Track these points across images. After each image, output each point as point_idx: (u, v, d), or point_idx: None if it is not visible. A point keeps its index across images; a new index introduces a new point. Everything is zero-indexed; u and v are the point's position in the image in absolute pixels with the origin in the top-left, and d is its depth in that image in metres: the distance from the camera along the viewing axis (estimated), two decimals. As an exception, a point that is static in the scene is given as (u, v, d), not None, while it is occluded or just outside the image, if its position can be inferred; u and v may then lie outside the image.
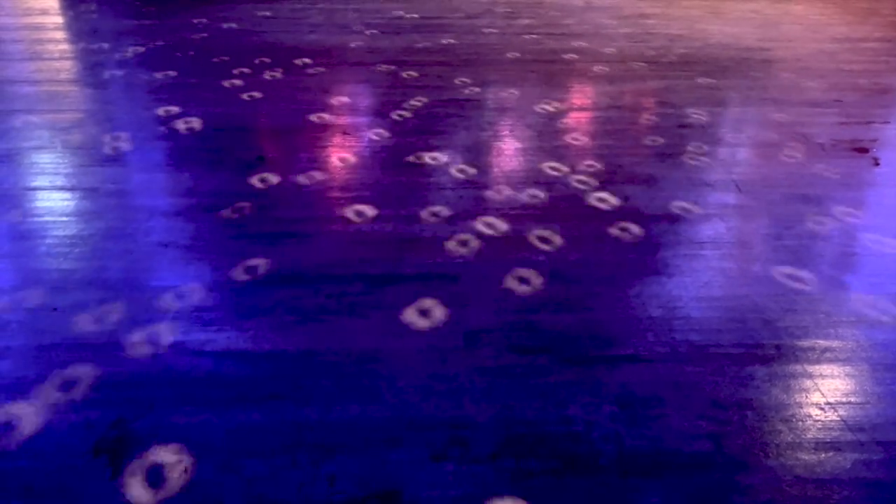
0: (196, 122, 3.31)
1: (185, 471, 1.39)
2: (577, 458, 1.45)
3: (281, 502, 1.34)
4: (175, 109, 3.48)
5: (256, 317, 1.89)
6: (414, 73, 4.15)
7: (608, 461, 1.45)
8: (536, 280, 2.07)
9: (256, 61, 4.35)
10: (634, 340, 1.82)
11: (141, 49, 4.63)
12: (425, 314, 1.91)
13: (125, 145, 3.05)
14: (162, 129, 3.23)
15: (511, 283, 2.06)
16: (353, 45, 4.82)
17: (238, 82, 3.93)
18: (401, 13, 5.85)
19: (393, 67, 4.28)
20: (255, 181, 2.69)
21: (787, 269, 2.14)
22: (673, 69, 4.30)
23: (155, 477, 1.39)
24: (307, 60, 4.42)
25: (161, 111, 3.45)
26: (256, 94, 3.73)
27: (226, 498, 1.35)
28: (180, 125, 3.28)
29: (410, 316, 1.90)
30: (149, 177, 2.77)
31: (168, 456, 1.43)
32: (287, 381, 1.66)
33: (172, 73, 4.08)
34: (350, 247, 2.25)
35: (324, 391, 1.63)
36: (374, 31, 5.20)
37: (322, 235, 2.32)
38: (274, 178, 2.72)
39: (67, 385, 1.63)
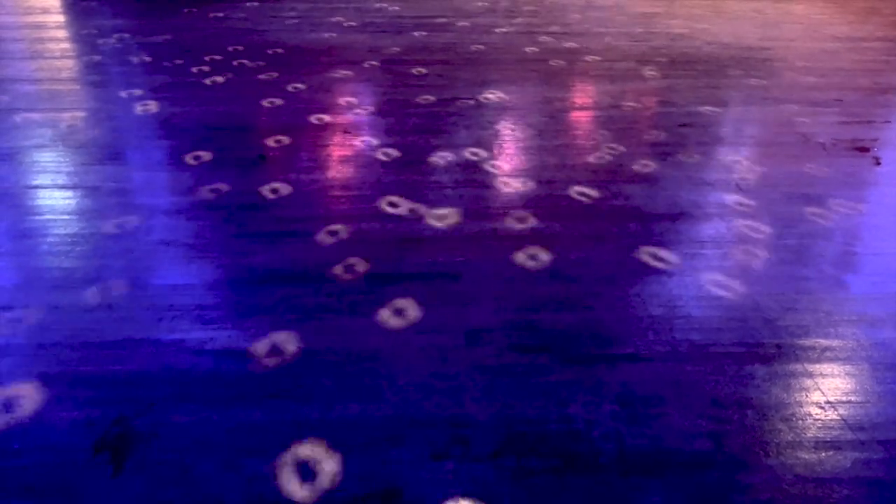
0: (196, 120, 3.31)
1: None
2: (577, 457, 1.45)
3: (281, 501, 1.35)
4: (175, 108, 3.48)
5: (257, 315, 1.89)
6: (415, 72, 4.15)
7: (609, 460, 1.45)
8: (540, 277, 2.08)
9: (257, 58, 4.35)
10: (635, 339, 1.82)
11: (142, 46, 4.62)
12: (430, 309, 1.91)
13: (124, 143, 3.05)
14: (162, 126, 3.23)
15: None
16: (353, 43, 4.82)
17: (240, 80, 3.93)
18: (401, 12, 5.84)
19: (394, 66, 4.28)
20: (255, 179, 2.70)
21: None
22: (674, 68, 4.29)
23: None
24: (308, 59, 4.42)
25: (161, 109, 3.45)
26: (254, 92, 3.73)
27: (226, 496, 1.35)
28: (180, 123, 3.28)
29: (412, 313, 1.90)
30: (150, 175, 2.77)
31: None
32: (288, 379, 1.66)
33: (173, 71, 4.08)
34: (350, 245, 2.25)
35: (324, 390, 1.63)
36: (376, 30, 5.20)
37: (322, 234, 2.32)
38: (274, 176, 2.72)
39: (68, 383, 1.63)
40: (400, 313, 1.91)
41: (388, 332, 1.83)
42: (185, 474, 1.40)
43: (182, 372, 1.67)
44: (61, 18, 5.60)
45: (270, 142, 3.09)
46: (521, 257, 2.20)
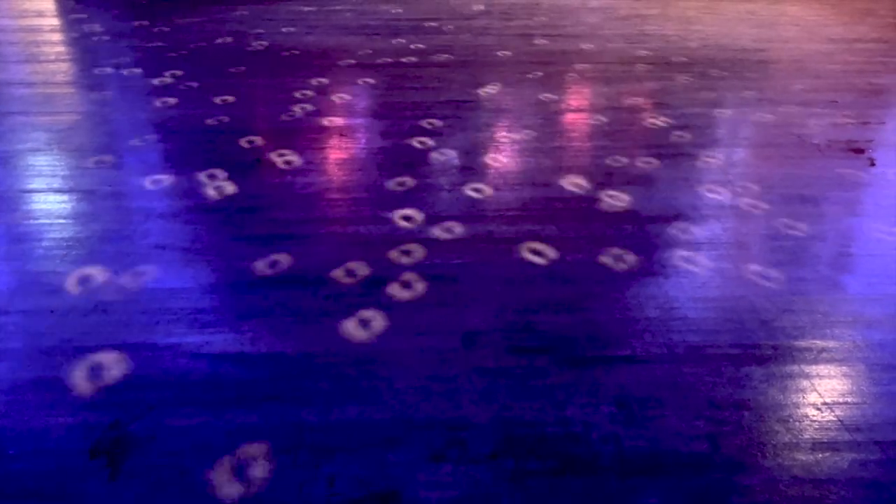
0: (193, 125, 3.30)
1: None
2: (575, 459, 1.46)
3: (281, 503, 1.35)
4: (172, 112, 3.48)
5: (255, 318, 1.89)
6: (411, 74, 4.16)
7: (606, 462, 1.45)
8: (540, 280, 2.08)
9: (252, 62, 4.34)
10: (632, 341, 1.82)
11: (137, 50, 4.62)
12: (427, 313, 1.91)
13: (120, 147, 3.04)
14: (158, 130, 3.23)
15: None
16: (349, 45, 4.82)
17: (236, 83, 3.93)
18: (398, 14, 5.85)
19: (391, 68, 4.28)
20: (253, 181, 2.69)
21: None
22: (669, 70, 4.31)
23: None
24: (305, 61, 4.42)
25: (157, 112, 3.45)
26: (251, 95, 3.72)
27: (224, 501, 1.35)
28: (176, 126, 3.27)
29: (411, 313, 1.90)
30: (145, 179, 2.76)
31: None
32: (286, 382, 1.66)
33: (170, 75, 4.08)
34: (348, 248, 2.25)
35: (323, 393, 1.63)
36: (372, 33, 5.20)
37: (319, 237, 2.32)
38: (271, 179, 2.72)
39: (64, 387, 1.62)
40: (397, 317, 1.91)
41: (386, 335, 1.83)
42: (183, 478, 1.39)
43: (179, 376, 1.67)
44: (56, 22, 5.59)
45: (267, 144, 3.08)
46: (517, 259, 2.20)
